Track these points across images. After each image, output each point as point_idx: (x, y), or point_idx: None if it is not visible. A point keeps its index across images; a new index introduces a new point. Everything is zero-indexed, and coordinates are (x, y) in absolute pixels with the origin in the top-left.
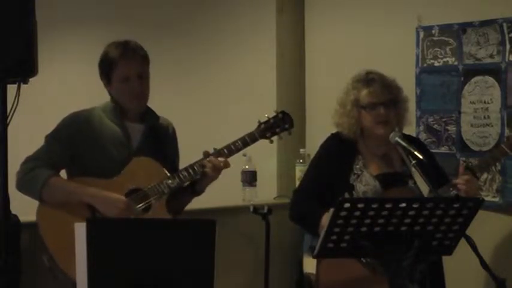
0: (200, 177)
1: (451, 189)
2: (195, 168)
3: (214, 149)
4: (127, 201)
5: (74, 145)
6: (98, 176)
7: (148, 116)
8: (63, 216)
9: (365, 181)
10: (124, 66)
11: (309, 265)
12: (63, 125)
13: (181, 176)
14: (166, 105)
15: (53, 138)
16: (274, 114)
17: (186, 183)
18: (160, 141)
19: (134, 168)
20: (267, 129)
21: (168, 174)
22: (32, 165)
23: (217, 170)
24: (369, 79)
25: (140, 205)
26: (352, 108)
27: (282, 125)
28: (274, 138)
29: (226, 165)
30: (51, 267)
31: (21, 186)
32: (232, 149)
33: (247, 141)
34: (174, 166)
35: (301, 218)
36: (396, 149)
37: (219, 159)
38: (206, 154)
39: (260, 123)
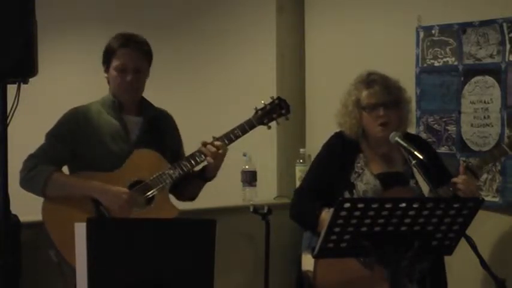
0: (206, 164)
1: (450, 189)
2: (195, 156)
3: (213, 137)
4: (130, 193)
5: (74, 141)
6: (99, 170)
7: (146, 108)
8: (68, 210)
9: (365, 180)
10: (121, 56)
11: (307, 263)
12: (63, 122)
13: (182, 165)
14: (166, 104)
15: (53, 135)
16: (271, 100)
17: (189, 172)
18: (159, 132)
19: (136, 161)
20: (264, 116)
21: (169, 164)
22: (34, 162)
23: (217, 156)
24: (370, 80)
25: (143, 197)
26: (354, 109)
27: (278, 110)
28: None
29: (224, 149)
30: (58, 262)
31: (25, 184)
32: (231, 137)
33: (245, 128)
34: (179, 155)
35: (301, 217)
36: (399, 148)
37: (215, 143)
38: (205, 144)
39: (257, 110)
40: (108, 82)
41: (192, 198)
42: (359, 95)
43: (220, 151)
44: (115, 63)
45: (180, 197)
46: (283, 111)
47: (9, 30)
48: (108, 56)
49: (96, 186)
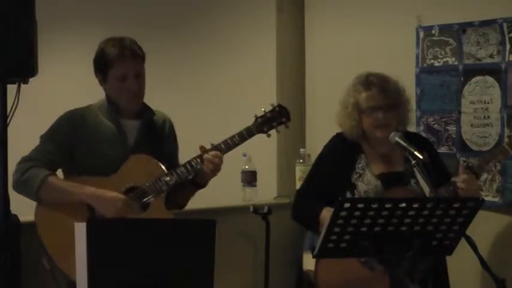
0: (199, 172)
1: (451, 188)
2: (193, 164)
3: (212, 144)
4: (125, 200)
5: (70, 144)
6: (95, 175)
7: (144, 112)
8: (61, 216)
9: (367, 180)
10: (121, 66)
11: (309, 263)
12: (58, 124)
13: (178, 172)
14: (166, 105)
15: (48, 137)
16: (271, 107)
17: (185, 179)
18: (157, 136)
19: (132, 166)
20: (264, 123)
21: (166, 171)
22: (28, 165)
23: (215, 166)
24: (369, 82)
25: (139, 203)
26: (353, 111)
27: (278, 118)
28: (273, 132)
29: (221, 160)
30: (51, 268)
31: (18, 187)
32: (229, 144)
33: (244, 135)
34: (174, 160)
35: (303, 218)
36: (399, 148)
37: (212, 152)
38: (203, 149)
39: (257, 118)
40: (105, 91)
41: (182, 206)
42: (358, 97)
43: (216, 160)
44: (114, 73)
45: (169, 205)
46: (283, 119)
47: (9, 30)
48: (103, 67)
49: (91, 192)
